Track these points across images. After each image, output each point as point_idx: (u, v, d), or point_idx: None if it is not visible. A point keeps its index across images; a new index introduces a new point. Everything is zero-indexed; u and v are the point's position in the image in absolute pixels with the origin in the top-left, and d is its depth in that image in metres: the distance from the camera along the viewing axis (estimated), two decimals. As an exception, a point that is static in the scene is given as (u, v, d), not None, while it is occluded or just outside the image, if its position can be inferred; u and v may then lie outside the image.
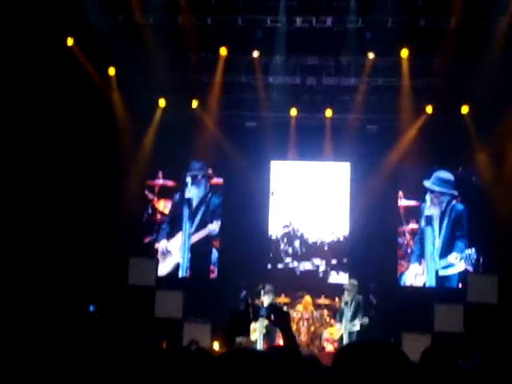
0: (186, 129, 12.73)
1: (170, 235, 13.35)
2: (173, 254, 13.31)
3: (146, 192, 13.34)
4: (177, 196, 13.45)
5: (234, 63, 12.33)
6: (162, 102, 12.83)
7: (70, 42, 11.58)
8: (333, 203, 13.32)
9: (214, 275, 13.19)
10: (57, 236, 11.79)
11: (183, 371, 2.80)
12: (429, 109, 12.43)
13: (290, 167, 13.59)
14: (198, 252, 13.27)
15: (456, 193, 12.74)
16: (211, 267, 13.22)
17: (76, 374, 2.52)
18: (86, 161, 12.21)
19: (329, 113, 12.79)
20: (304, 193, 13.41)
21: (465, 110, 12.34)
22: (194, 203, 13.42)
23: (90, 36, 11.32)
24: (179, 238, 13.37)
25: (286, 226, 13.39)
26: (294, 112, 12.87)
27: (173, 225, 13.40)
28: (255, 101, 12.88)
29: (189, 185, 13.36)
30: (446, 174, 12.83)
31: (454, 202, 12.76)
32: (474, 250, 12.46)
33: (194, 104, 12.83)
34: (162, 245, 13.27)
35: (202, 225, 13.34)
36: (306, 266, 13.21)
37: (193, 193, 13.43)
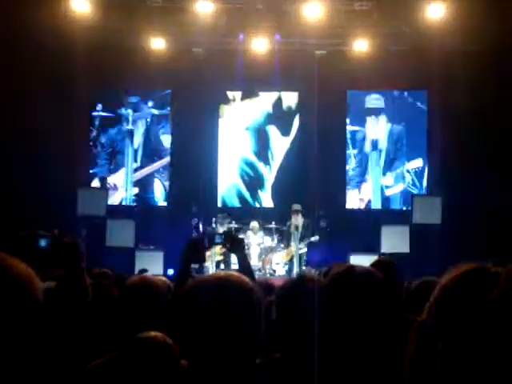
0: (128, 56, 12.36)
1: (113, 170, 13.10)
2: (119, 188, 13.13)
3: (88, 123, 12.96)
4: (116, 129, 13.07)
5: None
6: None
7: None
8: (282, 133, 13.36)
9: (164, 204, 13.18)
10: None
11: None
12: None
13: (238, 107, 13.42)
14: (146, 184, 13.17)
15: (398, 114, 12.96)
16: (161, 197, 13.20)
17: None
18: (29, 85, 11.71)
19: (277, 38, 12.61)
20: (253, 124, 13.37)
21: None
22: (137, 137, 13.14)
23: None
24: (122, 172, 13.17)
25: (236, 157, 13.36)
26: (241, 38, 12.64)
27: (114, 159, 13.12)
28: (202, 26, 12.53)
29: (129, 117, 13.02)
30: (384, 96, 13.01)
31: (395, 124, 13.02)
32: (417, 171, 12.81)
33: (139, 31, 12.42)
34: (108, 180, 13.01)
35: (149, 159, 13.14)
36: (254, 193, 13.33)
37: (135, 126, 13.10)
